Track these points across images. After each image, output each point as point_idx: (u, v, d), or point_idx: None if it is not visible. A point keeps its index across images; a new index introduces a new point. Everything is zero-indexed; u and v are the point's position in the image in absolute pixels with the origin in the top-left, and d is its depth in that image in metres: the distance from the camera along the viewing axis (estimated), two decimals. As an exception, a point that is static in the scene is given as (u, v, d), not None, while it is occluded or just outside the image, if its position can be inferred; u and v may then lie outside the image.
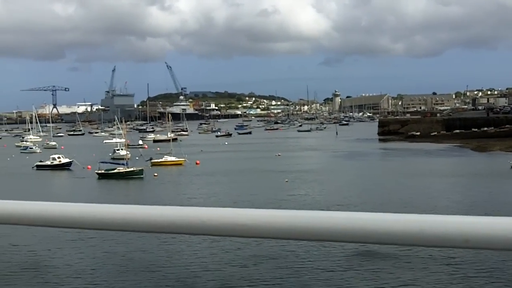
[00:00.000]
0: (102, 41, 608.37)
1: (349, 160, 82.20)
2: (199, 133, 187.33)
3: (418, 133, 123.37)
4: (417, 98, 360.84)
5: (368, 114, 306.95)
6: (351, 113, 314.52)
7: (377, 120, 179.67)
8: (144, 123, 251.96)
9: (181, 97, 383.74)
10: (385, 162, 78.34)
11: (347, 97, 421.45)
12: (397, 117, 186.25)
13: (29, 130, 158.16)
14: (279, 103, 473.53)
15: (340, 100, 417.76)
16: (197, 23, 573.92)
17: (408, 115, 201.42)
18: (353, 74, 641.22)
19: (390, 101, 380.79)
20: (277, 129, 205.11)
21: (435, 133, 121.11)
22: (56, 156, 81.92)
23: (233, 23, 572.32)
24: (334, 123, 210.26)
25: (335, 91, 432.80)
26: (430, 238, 1.29)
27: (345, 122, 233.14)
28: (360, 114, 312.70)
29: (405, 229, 1.32)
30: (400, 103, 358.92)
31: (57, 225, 1.79)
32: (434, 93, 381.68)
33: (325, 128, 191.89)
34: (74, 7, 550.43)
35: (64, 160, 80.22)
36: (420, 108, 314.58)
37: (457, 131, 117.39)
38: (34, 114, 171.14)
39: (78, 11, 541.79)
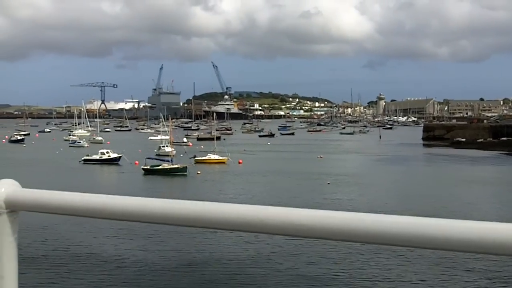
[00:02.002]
0: (148, 39, 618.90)
1: (392, 164, 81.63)
2: (243, 132, 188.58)
3: (464, 140, 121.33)
4: (464, 103, 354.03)
5: (413, 118, 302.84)
6: (396, 117, 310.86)
7: (422, 125, 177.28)
8: (189, 121, 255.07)
9: (226, 97, 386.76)
10: (429, 168, 77.52)
11: (392, 100, 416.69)
12: (443, 122, 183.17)
13: (77, 125, 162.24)
14: (322, 105, 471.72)
15: (384, 103, 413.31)
16: (240, 24, 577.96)
17: (454, 120, 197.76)
18: (397, 78, 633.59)
19: (436, 106, 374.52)
20: (320, 131, 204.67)
21: (482, 140, 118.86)
22: (105, 150, 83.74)
23: (276, 24, 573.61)
24: (378, 126, 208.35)
25: (380, 94, 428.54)
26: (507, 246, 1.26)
27: (389, 126, 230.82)
28: (405, 118, 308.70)
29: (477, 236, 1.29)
30: (446, 108, 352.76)
31: (117, 217, 1.86)
32: (481, 99, 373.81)
33: (368, 131, 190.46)
34: (121, 6, 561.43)
35: (113, 155, 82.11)
36: (467, 114, 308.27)
37: (505, 138, 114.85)
38: (83, 109, 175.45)
39: (125, 9, 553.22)
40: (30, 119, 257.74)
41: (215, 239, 32.17)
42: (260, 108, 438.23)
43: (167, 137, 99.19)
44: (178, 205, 1.75)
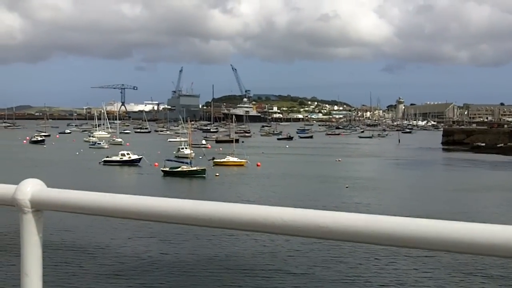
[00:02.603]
0: (167, 42, 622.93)
1: (411, 169, 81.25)
2: (261, 135, 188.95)
3: (484, 144, 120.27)
4: (484, 108, 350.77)
5: (432, 122, 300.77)
6: (415, 121, 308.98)
7: (442, 129, 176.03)
8: (208, 124, 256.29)
9: (245, 99, 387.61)
10: (448, 173, 77.04)
11: (411, 104, 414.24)
12: (463, 127, 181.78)
13: (97, 126, 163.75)
14: (341, 108, 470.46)
15: (403, 107, 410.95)
16: (259, 27, 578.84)
17: (474, 125, 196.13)
18: (417, 81, 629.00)
19: (455, 110, 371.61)
20: (338, 134, 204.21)
21: (502, 144, 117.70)
22: (125, 152, 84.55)
23: (294, 27, 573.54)
24: (397, 130, 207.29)
25: (399, 98, 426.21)
26: None
27: (408, 130, 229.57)
28: (424, 122, 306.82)
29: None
30: (466, 113, 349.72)
31: (146, 218, 1.89)
32: (502, 104, 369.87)
33: (387, 135, 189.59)
34: (140, 8, 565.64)
35: (134, 157, 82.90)
36: (487, 118, 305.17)
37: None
38: (103, 111, 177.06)
39: (144, 12, 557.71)
40: (51, 120, 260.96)
41: (237, 240, 32.43)
42: (279, 111, 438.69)
43: (186, 139, 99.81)
44: (203, 206, 1.77)
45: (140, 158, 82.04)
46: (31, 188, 2.13)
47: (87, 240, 32.88)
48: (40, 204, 2.12)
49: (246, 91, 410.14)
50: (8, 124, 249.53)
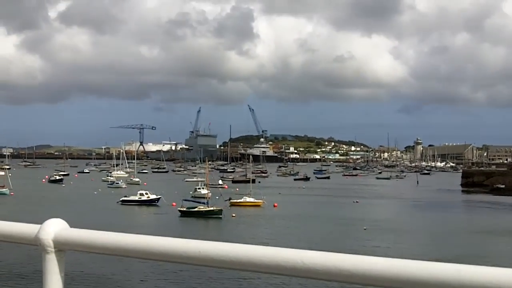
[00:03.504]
0: (184, 83, 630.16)
1: (430, 211, 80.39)
2: (278, 175, 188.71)
3: (504, 186, 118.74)
4: (503, 149, 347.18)
5: (451, 164, 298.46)
6: (433, 162, 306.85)
7: (461, 170, 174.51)
8: (225, 163, 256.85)
9: (262, 140, 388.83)
10: (468, 215, 76.09)
11: (429, 145, 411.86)
12: (482, 168, 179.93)
13: (116, 166, 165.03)
14: (358, 149, 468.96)
15: (422, 148, 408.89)
16: (274, 68, 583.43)
17: (493, 166, 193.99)
18: (434, 122, 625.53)
19: (474, 151, 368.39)
20: (356, 175, 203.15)
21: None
22: (144, 191, 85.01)
23: (310, 69, 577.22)
24: (415, 171, 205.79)
25: (417, 139, 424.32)
26: None
27: (426, 171, 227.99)
28: (443, 163, 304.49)
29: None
30: (485, 154, 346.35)
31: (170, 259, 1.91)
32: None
33: (405, 176, 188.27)
34: (158, 50, 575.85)
35: (152, 196, 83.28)
36: (507, 160, 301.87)
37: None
38: (122, 151, 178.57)
39: (161, 54, 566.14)
40: (70, 159, 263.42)
41: (257, 282, 32.20)
42: (296, 151, 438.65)
43: (203, 179, 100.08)
44: (223, 248, 1.76)
45: (159, 198, 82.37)
46: (54, 228, 2.16)
47: (108, 280, 32.87)
48: (63, 244, 2.15)
49: (263, 131, 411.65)
50: (28, 163, 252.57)
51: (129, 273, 34.39)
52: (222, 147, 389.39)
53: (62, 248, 2.18)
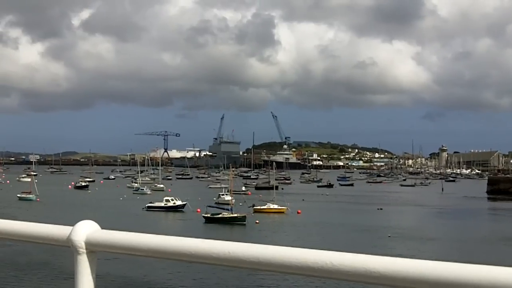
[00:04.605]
0: (206, 90, 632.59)
1: (455, 218, 79.67)
2: (301, 182, 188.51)
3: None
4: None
5: (477, 171, 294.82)
6: (459, 169, 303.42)
7: (486, 177, 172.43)
8: (248, 170, 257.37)
9: (285, 146, 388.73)
10: (494, 223, 75.30)
11: (455, 152, 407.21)
12: (508, 175, 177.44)
13: (141, 172, 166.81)
14: (382, 155, 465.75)
15: (447, 155, 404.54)
16: (296, 74, 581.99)
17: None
18: (458, 129, 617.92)
19: (500, 158, 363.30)
20: (380, 182, 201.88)
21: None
22: (170, 198, 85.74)
23: (331, 75, 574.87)
24: (440, 179, 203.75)
25: (442, 146, 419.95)
26: None
27: (451, 178, 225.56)
28: (468, 171, 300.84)
29: None
30: (511, 161, 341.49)
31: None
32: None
33: (430, 183, 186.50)
34: (181, 57, 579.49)
35: (178, 203, 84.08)
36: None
37: None
38: (146, 157, 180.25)
39: (184, 61, 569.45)
40: (95, 166, 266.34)
41: (284, 283, 32.47)
42: (319, 158, 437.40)
43: (227, 186, 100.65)
44: (253, 249, 1.78)
45: (184, 204, 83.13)
46: (85, 230, 2.23)
47: (139, 280, 33.48)
48: (95, 245, 2.21)
49: (286, 138, 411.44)
50: (55, 170, 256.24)
51: (159, 274, 34.93)
52: (245, 154, 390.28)
53: (94, 249, 2.22)
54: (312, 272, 1.64)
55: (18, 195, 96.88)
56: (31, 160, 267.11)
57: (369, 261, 1.56)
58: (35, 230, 2.49)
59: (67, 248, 2.28)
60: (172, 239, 2.07)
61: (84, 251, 2.21)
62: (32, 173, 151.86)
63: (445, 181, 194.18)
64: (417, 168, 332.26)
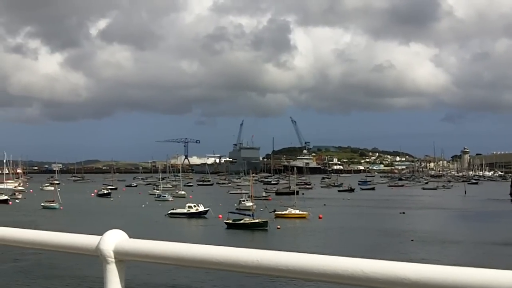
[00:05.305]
0: (225, 96, 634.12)
1: (478, 221, 78.85)
2: (322, 187, 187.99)
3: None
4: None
5: (500, 173, 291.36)
6: (481, 172, 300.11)
7: (510, 179, 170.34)
8: (269, 176, 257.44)
9: (305, 151, 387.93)
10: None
11: (477, 154, 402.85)
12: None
13: (162, 179, 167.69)
14: (403, 159, 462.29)
15: (469, 157, 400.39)
16: (313, 79, 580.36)
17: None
18: (479, 131, 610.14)
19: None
20: (401, 185, 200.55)
21: None
22: (192, 204, 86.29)
23: (349, 79, 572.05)
24: (463, 181, 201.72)
25: (464, 148, 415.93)
26: None
27: (474, 181, 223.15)
28: (491, 173, 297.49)
29: None
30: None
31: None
32: None
33: (452, 186, 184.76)
34: (198, 65, 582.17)
35: (201, 209, 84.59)
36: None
37: None
38: (167, 164, 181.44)
39: (201, 68, 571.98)
40: (117, 173, 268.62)
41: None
42: (339, 162, 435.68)
43: (247, 192, 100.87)
44: (281, 256, 1.78)
45: (207, 210, 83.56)
46: (114, 239, 2.28)
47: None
48: (123, 254, 2.26)
49: (305, 143, 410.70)
50: (77, 178, 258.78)
51: (187, 282, 35.18)
52: (265, 159, 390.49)
53: (123, 258, 2.26)
54: (342, 280, 1.63)
55: (42, 203, 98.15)
56: (54, 169, 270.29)
57: (400, 268, 1.53)
58: (64, 240, 2.54)
59: (95, 257, 2.31)
60: (200, 247, 2.08)
61: (113, 260, 2.23)
62: (55, 182, 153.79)
63: (468, 183, 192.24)
64: (439, 171, 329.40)
